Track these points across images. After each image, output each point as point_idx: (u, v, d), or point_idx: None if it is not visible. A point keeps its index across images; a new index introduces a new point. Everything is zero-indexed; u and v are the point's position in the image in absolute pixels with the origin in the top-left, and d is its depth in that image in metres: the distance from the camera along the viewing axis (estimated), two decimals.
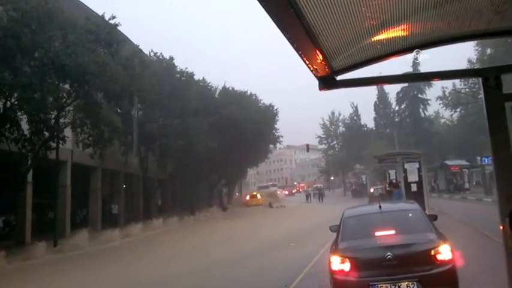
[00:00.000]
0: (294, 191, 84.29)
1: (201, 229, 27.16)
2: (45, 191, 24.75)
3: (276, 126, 50.18)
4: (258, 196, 53.54)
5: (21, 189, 22.89)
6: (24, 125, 20.36)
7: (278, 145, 57.68)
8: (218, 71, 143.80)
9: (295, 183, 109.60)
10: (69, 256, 18.81)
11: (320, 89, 2.60)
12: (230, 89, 45.01)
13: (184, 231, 26.50)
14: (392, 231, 6.68)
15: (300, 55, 2.11)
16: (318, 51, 2.10)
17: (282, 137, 52.33)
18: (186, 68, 37.79)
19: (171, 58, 36.62)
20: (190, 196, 42.77)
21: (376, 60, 2.64)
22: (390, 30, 2.34)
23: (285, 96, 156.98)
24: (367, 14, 2.01)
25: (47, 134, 21.10)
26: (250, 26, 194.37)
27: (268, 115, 47.77)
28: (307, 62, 2.21)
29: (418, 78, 3.06)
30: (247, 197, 54.85)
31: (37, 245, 19.13)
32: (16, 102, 19.53)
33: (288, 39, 1.90)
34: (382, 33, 2.36)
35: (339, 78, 2.59)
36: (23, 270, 15.82)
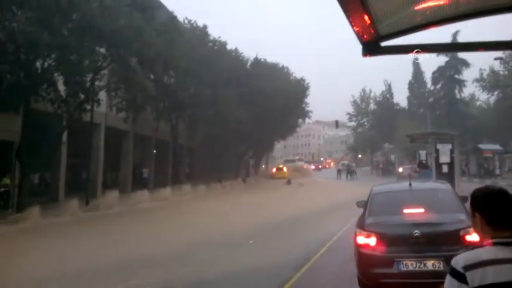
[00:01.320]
0: (320, 167, 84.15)
1: (227, 197, 27.51)
2: (79, 152, 25.56)
3: (306, 100, 49.80)
4: (284, 169, 53.69)
5: (57, 149, 23.72)
6: (61, 86, 20.87)
7: (307, 120, 57.35)
8: (251, 42, 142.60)
9: (321, 158, 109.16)
10: (100, 214, 19.51)
11: (363, 55, 2.54)
12: (262, 60, 44.73)
13: (210, 198, 26.93)
14: (422, 210, 6.58)
15: (347, 16, 2.06)
16: (366, 13, 2.05)
17: (311, 111, 52.04)
18: (219, 37, 37.72)
19: (205, 26, 36.53)
20: (217, 165, 43.30)
21: (424, 27, 2.54)
22: None
23: (317, 71, 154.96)
24: None
25: (82, 96, 21.56)
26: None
27: (298, 89, 47.37)
28: (353, 24, 2.15)
29: (463, 47, 2.93)
30: (274, 170, 55.09)
31: (70, 203, 19.90)
32: (53, 63, 19.95)
33: None
34: None
35: (383, 44, 2.53)
36: (56, 226, 16.50)
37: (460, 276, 1.75)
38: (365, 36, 2.32)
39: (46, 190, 25.58)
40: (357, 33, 2.29)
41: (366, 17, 2.13)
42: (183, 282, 7.97)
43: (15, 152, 20.75)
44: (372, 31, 2.27)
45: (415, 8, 2.35)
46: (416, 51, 2.70)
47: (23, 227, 16.16)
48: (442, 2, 2.39)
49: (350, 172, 49.54)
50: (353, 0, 1.95)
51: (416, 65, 61.28)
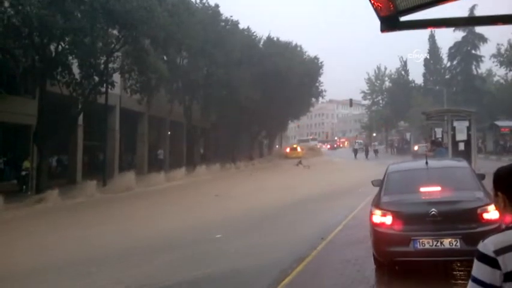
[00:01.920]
0: (335, 146, 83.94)
1: (241, 178, 27.63)
2: (95, 134, 25.88)
3: (319, 79, 49.32)
4: (298, 149, 53.63)
5: (73, 132, 24.03)
6: (75, 69, 21.02)
7: (320, 99, 56.81)
8: (263, 20, 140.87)
9: (335, 138, 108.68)
10: (118, 196, 19.80)
11: (382, 30, 2.50)
12: (275, 39, 44.27)
13: (225, 178, 27.10)
14: (438, 188, 6.49)
15: None
16: None
17: (325, 91, 51.55)
18: (231, 16, 37.33)
19: (217, 6, 36.11)
20: (231, 146, 43.41)
21: (442, 0, 2.48)
22: None
23: (330, 48, 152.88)
24: None
25: (96, 78, 21.73)
26: None
27: (312, 68, 46.90)
28: (372, 0, 2.11)
29: (483, 21, 2.82)
30: (288, 150, 55.08)
31: (88, 185, 20.24)
32: (67, 46, 20.05)
33: None
34: None
35: (402, 19, 2.48)
36: (75, 207, 16.86)
37: (491, 261, 1.64)
38: (384, 11, 2.28)
39: (64, 172, 26.03)
40: (376, 8, 2.25)
41: None
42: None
43: (32, 135, 21.09)
44: (391, 6, 2.23)
45: None
46: (436, 26, 2.63)
47: (43, 207, 16.58)
48: None
49: (372, 151, 46.98)
50: None
51: (432, 41, 60.07)
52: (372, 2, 2.22)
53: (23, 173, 21.23)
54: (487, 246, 1.67)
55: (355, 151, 48.85)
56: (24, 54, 18.52)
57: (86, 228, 11.75)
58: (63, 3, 18.07)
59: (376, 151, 47.47)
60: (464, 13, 41.99)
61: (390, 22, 2.51)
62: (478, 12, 43.43)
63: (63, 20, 17.81)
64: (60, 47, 19.94)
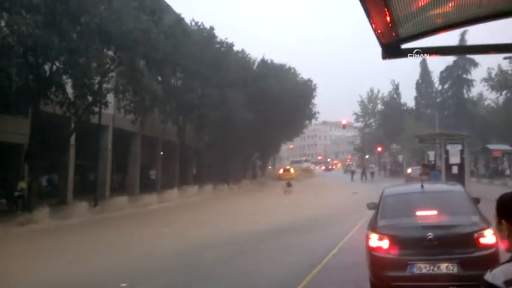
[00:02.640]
0: (330, 167, 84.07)
1: (233, 199, 27.45)
2: (87, 153, 25.65)
3: (313, 101, 49.69)
4: (292, 170, 53.54)
5: (65, 151, 23.84)
6: (69, 89, 20.98)
7: (313, 121, 57.17)
8: (257, 43, 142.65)
9: (328, 159, 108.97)
10: (109, 217, 19.53)
11: (383, 57, 2.51)
12: (269, 61, 44.75)
13: (217, 200, 26.91)
14: (434, 212, 6.51)
15: (369, 18, 2.03)
16: (387, 15, 2.02)
17: (318, 112, 51.90)
18: (226, 39, 37.73)
19: (212, 28, 36.52)
20: (224, 166, 43.24)
21: (445, 29, 2.51)
22: None
23: (323, 71, 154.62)
24: None
25: (90, 98, 21.69)
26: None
27: (305, 90, 47.32)
28: (375, 27, 2.13)
29: (481, 50, 2.86)
30: (281, 171, 55.01)
31: (78, 205, 19.93)
32: (62, 66, 20.08)
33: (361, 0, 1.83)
34: None
35: (403, 46, 2.50)
36: (66, 228, 16.56)
37: None
38: (385, 38, 2.30)
39: (54, 192, 25.66)
40: (378, 35, 2.26)
41: (388, 20, 2.10)
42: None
43: (24, 154, 20.87)
44: (393, 33, 2.25)
45: (437, 11, 2.32)
46: (436, 54, 2.67)
47: (32, 228, 16.23)
48: (463, 4, 2.36)
49: (367, 173, 46.17)
50: (376, 3, 1.91)
51: (423, 64, 61.00)
52: (375, 29, 2.24)
53: (17, 193, 20.78)
54: (497, 276, 1.62)
55: (352, 173, 48.64)
56: (18, 73, 18.49)
57: (73, 253, 11.44)
58: (59, 23, 18.16)
59: (372, 173, 47.13)
60: (455, 39, 42.77)
61: (392, 49, 2.53)
62: (469, 37, 44.24)
63: (58, 40, 17.86)
64: (54, 66, 19.94)
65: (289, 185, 31.14)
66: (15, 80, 18.79)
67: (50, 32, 17.59)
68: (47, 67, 19.92)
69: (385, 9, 2.01)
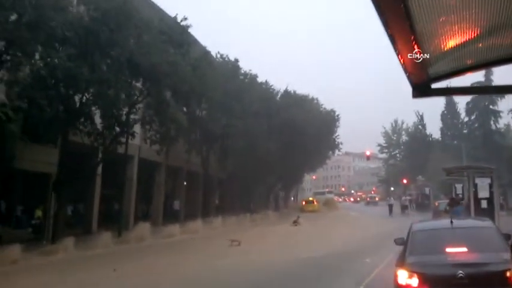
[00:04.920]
0: (359, 200, 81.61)
1: (257, 231, 27.06)
2: (113, 183, 26.00)
3: (336, 131, 49.57)
4: (314, 202, 52.82)
5: (91, 181, 24.26)
6: (97, 120, 21.48)
7: (337, 151, 56.80)
8: (280, 74, 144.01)
9: (352, 191, 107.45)
10: (133, 247, 19.57)
11: (414, 96, 2.52)
12: (292, 92, 45.12)
13: (239, 232, 26.65)
14: (465, 249, 6.34)
15: (400, 60, 2.06)
16: (419, 55, 2.04)
17: (341, 143, 51.66)
18: (250, 70, 38.41)
19: (236, 60, 37.34)
20: (247, 196, 43.10)
21: (476, 68, 2.52)
22: (499, 35, 2.20)
23: (347, 102, 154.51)
24: (480, 16, 1.91)
25: (117, 129, 22.14)
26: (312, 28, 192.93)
27: (329, 120, 47.36)
28: (405, 68, 2.16)
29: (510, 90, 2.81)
30: (303, 203, 54.46)
31: (103, 235, 20.04)
32: (91, 97, 20.64)
33: (391, 40, 1.86)
34: (489, 38, 2.23)
35: (433, 86, 2.51)
36: (91, 258, 16.65)
37: None
38: (416, 79, 2.32)
39: (79, 221, 25.93)
40: (409, 76, 2.29)
41: (419, 60, 2.12)
42: None
43: (51, 183, 21.31)
44: (423, 73, 2.26)
45: (467, 51, 2.33)
46: (466, 93, 2.64)
47: (56, 259, 16.36)
48: (492, 44, 2.36)
49: (402, 207, 42.39)
50: (407, 44, 1.94)
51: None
52: (406, 71, 2.26)
53: (33, 221, 21.26)
54: None
55: (390, 207, 42.14)
56: (49, 104, 19.07)
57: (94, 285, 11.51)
58: (90, 56, 18.82)
59: (405, 207, 42.72)
60: (479, 74, 42.50)
61: (422, 89, 2.54)
62: (494, 73, 44.14)
63: (89, 72, 18.46)
64: (84, 98, 20.52)
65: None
66: (46, 111, 19.38)
67: (81, 64, 18.17)
68: (77, 98, 20.47)
69: (417, 51, 2.04)
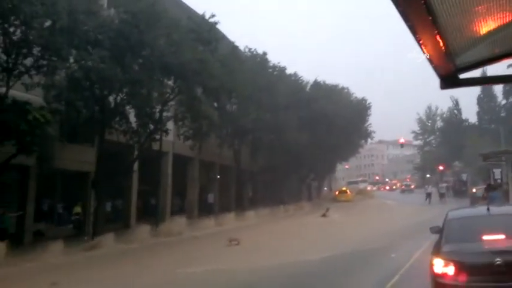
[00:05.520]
0: (394, 188, 79.73)
1: (290, 223, 27.11)
2: (149, 179, 26.72)
3: (368, 120, 48.91)
4: (348, 192, 52.37)
5: (128, 177, 25.02)
6: (132, 118, 22.12)
7: (369, 140, 56.07)
8: (310, 64, 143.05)
9: (386, 179, 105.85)
10: (170, 241, 20.10)
11: (442, 88, 2.54)
12: (321, 82, 44.75)
13: (273, 224, 26.82)
14: (502, 236, 6.23)
15: (425, 52, 2.09)
16: (444, 46, 2.06)
17: (374, 132, 50.97)
18: (279, 63, 38.36)
19: (264, 53, 37.31)
20: (280, 189, 43.21)
21: (504, 57, 2.49)
22: None
23: (379, 88, 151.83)
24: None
25: (151, 126, 22.72)
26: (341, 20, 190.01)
27: (360, 109, 46.75)
28: (432, 60, 2.18)
29: None
30: (336, 193, 54.15)
31: (141, 229, 20.81)
32: (125, 97, 21.23)
33: (414, 33, 1.88)
34: None
35: (462, 76, 2.52)
36: (129, 252, 17.26)
37: None
38: (443, 70, 2.33)
39: (118, 217, 26.82)
40: (435, 67, 2.31)
41: (444, 51, 2.14)
42: None
43: (91, 181, 22.10)
44: (450, 64, 2.28)
45: (493, 39, 2.33)
46: (494, 83, 2.63)
47: (98, 253, 17.07)
48: None
49: (440, 194, 40.07)
50: (431, 35, 1.98)
51: None
52: (432, 62, 2.30)
53: (73, 217, 22.23)
54: None
55: (429, 195, 40.38)
56: (85, 105, 19.71)
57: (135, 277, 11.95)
58: (122, 57, 19.33)
59: (442, 195, 40.36)
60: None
61: (450, 80, 2.56)
62: None
63: (122, 73, 18.96)
64: (118, 98, 21.12)
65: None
66: (82, 112, 20.05)
67: (114, 65, 18.69)
68: (111, 98, 21.12)
69: (440, 41, 2.06)
